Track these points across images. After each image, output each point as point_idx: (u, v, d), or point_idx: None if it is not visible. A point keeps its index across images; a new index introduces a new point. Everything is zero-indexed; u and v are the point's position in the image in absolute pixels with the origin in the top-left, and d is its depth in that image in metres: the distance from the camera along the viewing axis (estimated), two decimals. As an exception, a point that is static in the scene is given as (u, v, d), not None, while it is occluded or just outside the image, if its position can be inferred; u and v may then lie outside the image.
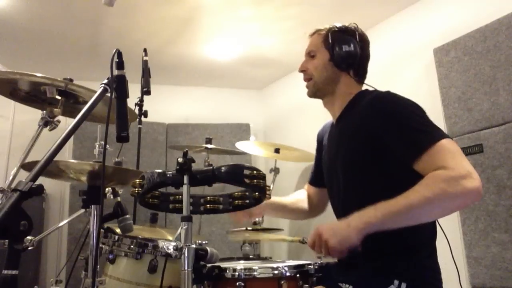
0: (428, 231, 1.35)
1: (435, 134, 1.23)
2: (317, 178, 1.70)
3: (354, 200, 1.40)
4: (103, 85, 1.20)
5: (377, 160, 1.33)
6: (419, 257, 1.29)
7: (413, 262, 1.28)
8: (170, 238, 1.96)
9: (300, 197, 1.76)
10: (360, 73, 1.53)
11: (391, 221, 1.18)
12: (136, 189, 1.28)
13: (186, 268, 1.14)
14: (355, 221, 1.21)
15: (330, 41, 1.48)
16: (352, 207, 1.38)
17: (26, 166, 1.60)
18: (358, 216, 1.21)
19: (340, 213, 1.48)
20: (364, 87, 1.54)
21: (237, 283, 1.31)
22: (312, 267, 1.40)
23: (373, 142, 1.32)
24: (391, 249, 1.29)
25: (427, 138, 1.22)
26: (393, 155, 1.28)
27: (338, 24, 1.52)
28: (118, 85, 1.21)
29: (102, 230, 1.58)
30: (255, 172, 1.21)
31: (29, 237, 0.89)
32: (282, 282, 1.32)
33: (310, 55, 1.55)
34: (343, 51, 1.46)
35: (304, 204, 1.74)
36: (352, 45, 1.46)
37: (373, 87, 1.48)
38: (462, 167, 1.16)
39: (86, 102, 1.27)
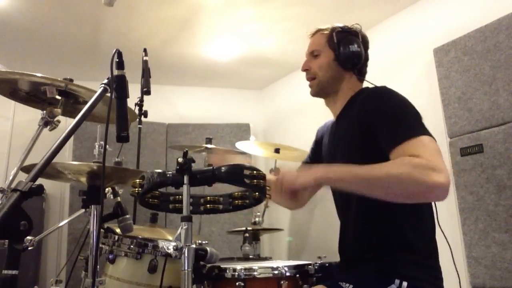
0: (427, 231, 1.35)
1: (418, 130, 1.23)
2: None
3: (353, 194, 1.40)
4: (103, 85, 1.20)
5: (372, 152, 1.33)
6: (420, 257, 1.29)
7: (414, 262, 1.28)
8: (170, 238, 1.96)
9: None
10: (364, 72, 1.55)
11: (348, 182, 1.23)
12: (136, 189, 1.28)
13: (186, 268, 1.14)
14: (318, 168, 1.26)
15: (335, 40, 1.49)
16: (351, 200, 1.38)
17: (25, 168, 1.59)
18: (324, 165, 1.28)
19: (342, 207, 1.48)
20: (366, 84, 1.55)
21: (237, 283, 1.31)
22: (312, 267, 1.40)
23: (366, 134, 1.34)
24: (392, 249, 1.30)
25: (409, 131, 1.23)
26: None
27: (341, 24, 1.53)
28: (118, 85, 1.21)
29: (102, 230, 1.58)
30: (255, 172, 1.22)
31: (29, 237, 0.88)
32: (282, 282, 1.32)
33: (313, 54, 1.55)
34: (349, 51, 1.47)
35: None
36: (357, 45, 1.48)
37: (374, 84, 1.48)
38: (435, 162, 1.15)
39: (86, 102, 1.27)
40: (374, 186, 1.20)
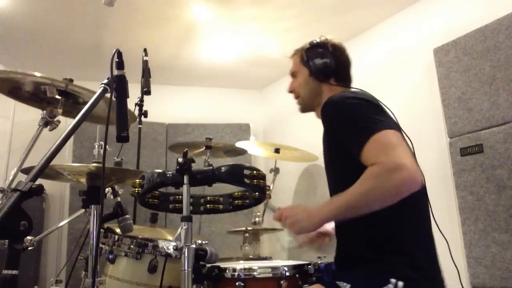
0: (422, 233, 1.36)
1: (369, 129, 1.27)
2: None
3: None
4: (103, 85, 1.20)
5: (340, 160, 1.41)
6: (415, 258, 1.30)
7: (409, 263, 1.28)
8: (170, 238, 1.96)
9: None
10: (343, 78, 1.61)
11: (339, 214, 1.29)
12: (136, 189, 1.28)
13: (186, 268, 1.15)
14: (314, 215, 1.31)
15: (306, 58, 1.59)
16: None
17: (25, 170, 1.59)
18: (316, 210, 1.31)
19: None
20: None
21: (237, 283, 1.31)
22: (311, 267, 1.40)
23: (333, 145, 1.44)
24: (386, 251, 1.30)
25: (361, 134, 1.28)
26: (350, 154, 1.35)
27: (315, 40, 1.62)
28: (118, 85, 1.21)
29: (102, 230, 1.58)
30: (255, 172, 1.22)
31: (29, 237, 0.89)
32: (282, 282, 1.32)
33: (293, 75, 1.67)
34: (318, 64, 1.57)
35: None
36: (324, 57, 1.56)
37: (358, 89, 1.52)
38: (391, 161, 1.20)
39: (86, 102, 1.27)
40: (359, 208, 1.25)
